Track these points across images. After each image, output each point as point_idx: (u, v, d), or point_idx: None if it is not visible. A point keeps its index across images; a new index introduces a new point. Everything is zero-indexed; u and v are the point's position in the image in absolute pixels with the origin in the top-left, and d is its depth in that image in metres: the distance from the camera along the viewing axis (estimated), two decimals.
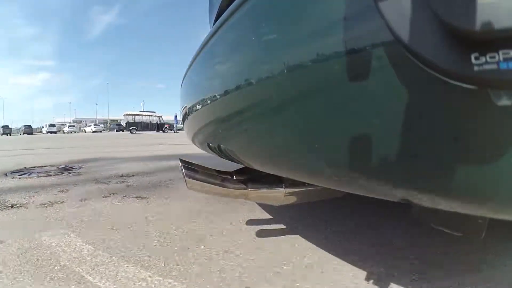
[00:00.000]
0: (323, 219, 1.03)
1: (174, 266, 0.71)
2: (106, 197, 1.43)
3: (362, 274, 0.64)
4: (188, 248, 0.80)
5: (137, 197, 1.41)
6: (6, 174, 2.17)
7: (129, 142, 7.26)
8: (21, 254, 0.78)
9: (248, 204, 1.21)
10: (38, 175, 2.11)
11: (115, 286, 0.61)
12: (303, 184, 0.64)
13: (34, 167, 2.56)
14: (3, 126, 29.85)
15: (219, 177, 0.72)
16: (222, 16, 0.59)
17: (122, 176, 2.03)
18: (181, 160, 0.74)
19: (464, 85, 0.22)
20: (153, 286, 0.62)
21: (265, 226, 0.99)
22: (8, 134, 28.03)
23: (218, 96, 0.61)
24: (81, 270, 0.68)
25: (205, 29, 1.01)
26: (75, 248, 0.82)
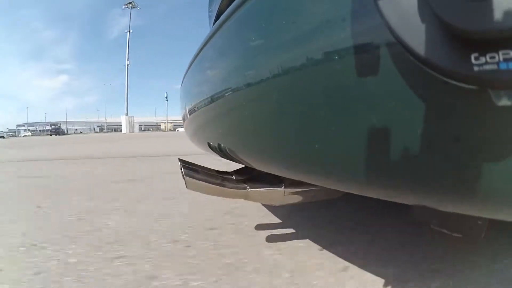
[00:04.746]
0: None
1: None
2: None
3: None
4: None
5: None
6: None
7: None
8: None
9: None
10: None
11: None
12: (303, 184, 0.64)
13: None
14: None
15: (219, 177, 0.72)
16: (222, 16, 0.59)
17: None
18: (181, 160, 0.74)
19: (464, 85, 0.22)
20: None
21: None
22: None
23: (218, 96, 0.61)
24: None
25: (205, 29, 1.01)
26: None
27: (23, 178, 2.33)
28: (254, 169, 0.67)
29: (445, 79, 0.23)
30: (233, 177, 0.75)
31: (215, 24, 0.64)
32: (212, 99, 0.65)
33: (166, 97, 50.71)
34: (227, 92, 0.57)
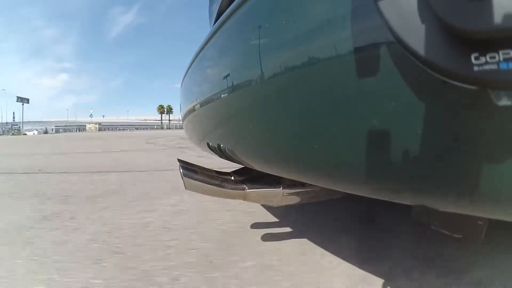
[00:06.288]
0: None
1: None
2: None
3: None
4: None
5: None
6: None
7: None
8: None
9: None
10: None
11: None
12: (301, 184, 0.64)
13: None
14: None
15: (217, 177, 0.72)
16: (222, 16, 0.60)
17: None
18: (179, 160, 0.74)
19: (464, 85, 0.22)
20: None
21: None
22: None
23: (218, 96, 0.61)
24: None
25: (206, 29, 1.01)
26: None
27: None
28: (253, 170, 0.67)
29: (445, 79, 0.23)
30: (232, 178, 0.75)
31: (215, 24, 0.64)
32: (212, 99, 0.65)
33: (19, 100, 39.88)
34: (227, 92, 0.57)
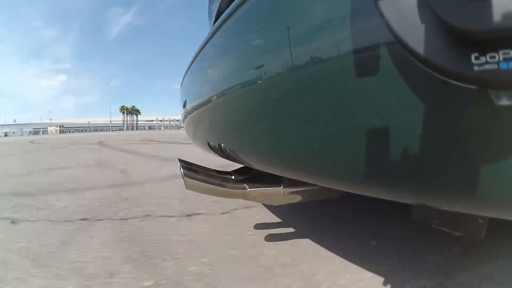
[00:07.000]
0: None
1: None
2: None
3: None
4: None
5: None
6: None
7: None
8: None
9: None
10: None
11: None
12: (302, 183, 0.64)
13: None
14: None
15: (218, 177, 0.72)
16: (222, 16, 0.59)
17: None
18: (180, 160, 0.74)
19: (464, 85, 0.22)
20: None
21: None
22: None
23: (218, 96, 0.61)
24: None
25: (206, 29, 1.00)
26: None
27: None
28: (253, 169, 0.67)
29: (445, 79, 0.23)
30: (232, 177, 0.75)
31: (215, 24, 0.64)
32: (212, 99, 0.65)
33: None
34: (227, 92, 0.57)
